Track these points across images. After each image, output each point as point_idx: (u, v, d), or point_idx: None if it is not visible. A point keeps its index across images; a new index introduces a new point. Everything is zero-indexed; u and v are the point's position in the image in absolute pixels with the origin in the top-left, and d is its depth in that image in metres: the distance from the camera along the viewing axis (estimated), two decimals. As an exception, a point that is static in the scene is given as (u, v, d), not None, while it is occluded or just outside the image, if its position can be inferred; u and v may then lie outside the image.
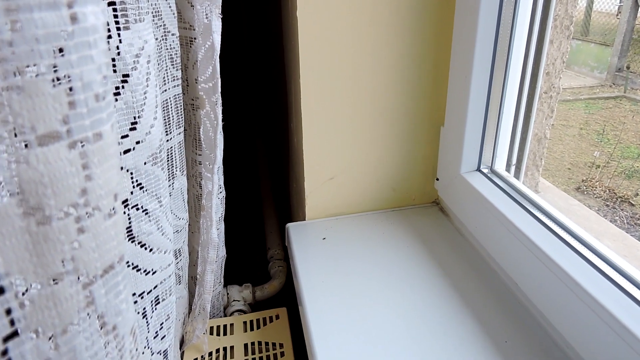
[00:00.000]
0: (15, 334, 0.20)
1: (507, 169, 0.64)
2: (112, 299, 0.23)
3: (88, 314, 0.22)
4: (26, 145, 0.19)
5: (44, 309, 0.21)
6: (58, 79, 0.19)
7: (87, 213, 0.21)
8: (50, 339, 0.21)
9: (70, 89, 0.19)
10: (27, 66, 0.18)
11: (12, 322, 0.20)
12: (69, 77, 0.19)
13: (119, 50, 0.29)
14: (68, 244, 0.21)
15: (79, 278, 0.22)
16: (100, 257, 0.23)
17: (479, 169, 0.64)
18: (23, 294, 0.20)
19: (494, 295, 0.54)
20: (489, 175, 0.62)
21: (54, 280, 0.21)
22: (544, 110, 0.76)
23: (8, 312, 0.20)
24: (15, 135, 0.18)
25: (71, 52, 0.19)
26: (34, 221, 0.20)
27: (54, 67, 0.19)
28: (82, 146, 0.21)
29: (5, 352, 0.20)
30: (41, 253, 0.20)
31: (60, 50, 0.19)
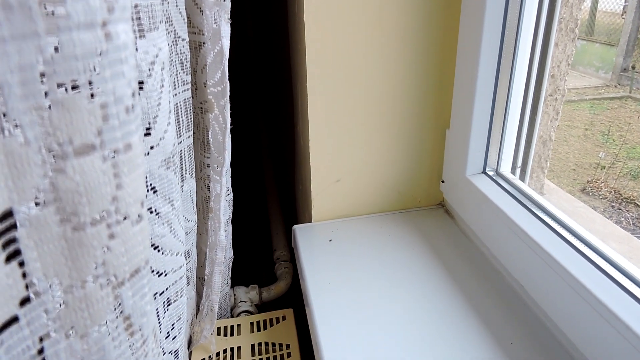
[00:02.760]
0: (49, 334, 0.21)
1: (513, 172, 0.65)
2: (138, 301, 0.24)
3: (117, 316, 0.23)
4: (64, 157, 0.20)
5: (77, 310, 0.21)
6: (93, 94, 0.20)
7: (117, 220, 0.22)
8: (82, 338, 0.22)
9: (104, 103, 0.20)
10: (66, 83, 0.19)
11: (47, 323, 0.21)
12: (102, 92, 0.20)
13: (134, 59, 0.30)
14: (100, 249, 0.22)
15: (108, 281, 0.22)
16: (129, 261, 0.24)
17: (484, 172, 0.64)
18: (58, 296, 0.21)
19: (499, 297, 0.54)
20: (494, 177, 0.63)
21: (86, 283, 0.22)
22: (549, 113, 0.76)
23: (46, 312, 0.21)
24: (54, 146, 0.19)
25: (105, 69, 0.20)
26: (69, 227, 0.21)
27: (90, 83, 0.20)
28: (114, 157, 0.22)
29: (41, 351, 0.21)
30: (75, 257, 0.21)
31: (95, 67, 0.20)
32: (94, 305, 0.22)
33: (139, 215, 0.24)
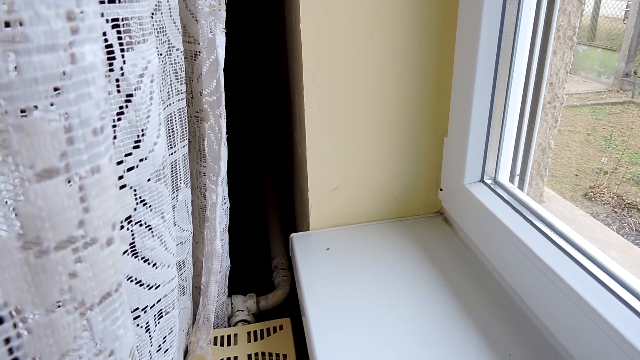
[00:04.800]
0: (14, 362, 0.21)
1: (511, 180, 0.64)
2: (109, 326, 0.24)
3: (85, 342, 0.23)
4: (25, 181, 0.19)
5: (42, 338, 0.21)
6: (56, 117, 0.20)
7: (84, 244, 0.22)
8: None
9: (68, 126, 0.20)
10: (26, 106, 0.18)
11: (10, 351, 0.21)
12: (66, 114, 0.20)
13: (122, 71, 0.30)
14: (65, 275, 0.21)
15: (75, 307, 0.22)
16: (98, 285, 0.23)
17: (482, 180, 0.64)
18: (21, 323, 0.21)
19: (497, 307, 0.53)
20: (492, 186, 0.62)
21: (51, 309, 0.21)
22: (547, 120, 0.76)
23: (7, 341, 0.20)
24: (14, 171, 0.19)
25: (69, 91, 0.20)
26: (32, 254, 0.20)
27: (52, 105, 0.19)
28: (80, 180, 0.21)
29: None
30: (39, 284, 0.21)
31: (57, 90, 0.19)
32: (60, 332, 0.21)
33: (109, 239, 0.23)
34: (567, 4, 0.70)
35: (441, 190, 0.71)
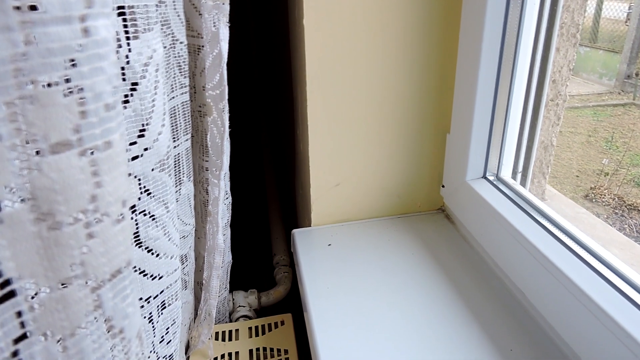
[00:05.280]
0: (25, 335, 0.21)
1: (514, 177, 0.64)
2: (119, 303, 0.24)
3: (95, 318, 0.23)
4: (38, 153, 0.20)
5: (54, 312, 0.21)
6: (70, 90, 0.20)
7: (96, 219, 0.22)
8: (59, 341, 0.22)
9: (82, 99, 0.20)
10: (41, 77, 0.18)
11: (22, 324, 0.21)
12: (80, 87, 0.20)
13: (128, 59, 0.30)
14: (77, 249, 0.21)
15: (87, 282, 0.22)
16: (109, 261, 0.23)
17: (484, 177, 0.64)
18: (33, 297, 0.21)
19: (500, 303, 0.53)
20: (494, 182, 0.62)
21: (63, 284, 0.21)
22: (550, 118, 0.76)
23: (19, 314, 0.21)
24: (28, 143, 0.19)
25: (83, 64, 0.20)
26: (45, 226, 0.20)
27: (67, 78, 0.19)
28: (92, 154, 0.21)
29: (16, 354, 0.21)
30: (52, 257, 0.21)
31: (73, 62, 0.19)
32: (72, 307, 0.22)
33: (120, 215, 0.23)
34: (570, 1, 0.70)
35: (443, 186, 0.71)
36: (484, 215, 0.59)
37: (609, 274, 0.44)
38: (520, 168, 0.64)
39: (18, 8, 0.17)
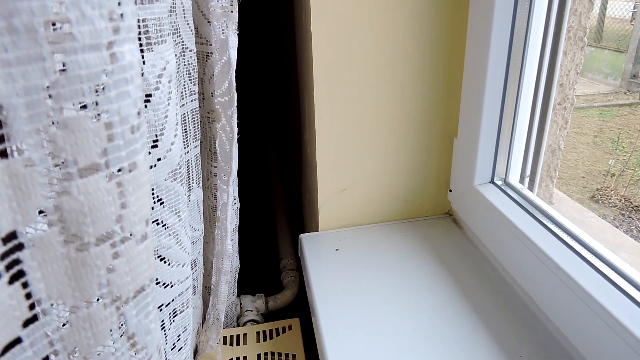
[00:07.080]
0: (54, 354, 0.21)
1: (521, 181, 0.64)
2: (142, 319, 0.24)
3: (120, 335, 0.23)
4: (68, 178, 0.20)
5: (81, 330, 0.21)
6: (98, 115, 0.20)
7: (121, 239, 0.22)
8: (86, 358, 0.22)
9: (109, 123, 0.21)
10: (71, 104, 0.19)
11: (51, 343, 0.21)
12: (108, 112, 0.20)
13: (142, 72, 0.30)
14: (104, 269, 0.22)
15: (112, 300, 0.23)
16: (133, 280, 0.24)
17: (492, 181, 0.64)
18: (61, 316, 0.21)
19: (508, 309, 0.53)
20: (502, 187, 0.62)
21: (89, 303, 0.22)
22: (558, 122, 0.75)
23: (49, 333, 0.21)
24: (58, 167, 0.20)
25: (110, 89, 0.20)
26: (73, 248, 0.21)
27: (95, 103, 0.20)
28: (119, 176, 0.22)
29: None
30: (79, 277, 0.21)
31: (101, 87, 0.20)
32: (98, 325, 0.22)
33: (143, 234, 0.24)
34: (577, 5, 0.70)
35: (450, 191, 0.71)
36: (492, 220, 0.59)
37: (618, 279, 0.44)
38: (528, 172, 0.64)
39: (51, 37, 0.18)
